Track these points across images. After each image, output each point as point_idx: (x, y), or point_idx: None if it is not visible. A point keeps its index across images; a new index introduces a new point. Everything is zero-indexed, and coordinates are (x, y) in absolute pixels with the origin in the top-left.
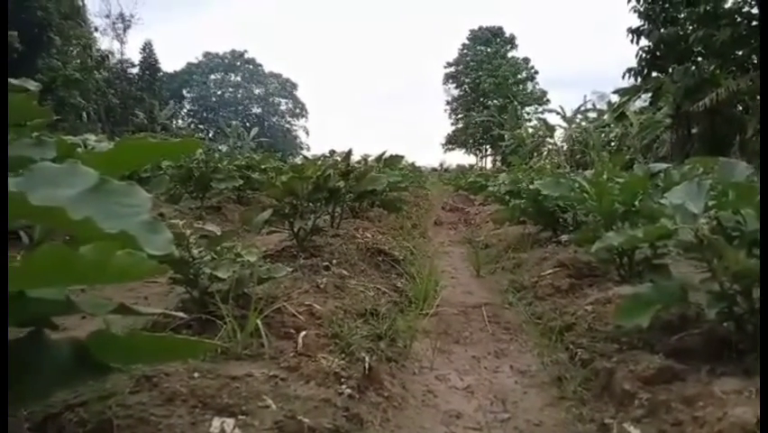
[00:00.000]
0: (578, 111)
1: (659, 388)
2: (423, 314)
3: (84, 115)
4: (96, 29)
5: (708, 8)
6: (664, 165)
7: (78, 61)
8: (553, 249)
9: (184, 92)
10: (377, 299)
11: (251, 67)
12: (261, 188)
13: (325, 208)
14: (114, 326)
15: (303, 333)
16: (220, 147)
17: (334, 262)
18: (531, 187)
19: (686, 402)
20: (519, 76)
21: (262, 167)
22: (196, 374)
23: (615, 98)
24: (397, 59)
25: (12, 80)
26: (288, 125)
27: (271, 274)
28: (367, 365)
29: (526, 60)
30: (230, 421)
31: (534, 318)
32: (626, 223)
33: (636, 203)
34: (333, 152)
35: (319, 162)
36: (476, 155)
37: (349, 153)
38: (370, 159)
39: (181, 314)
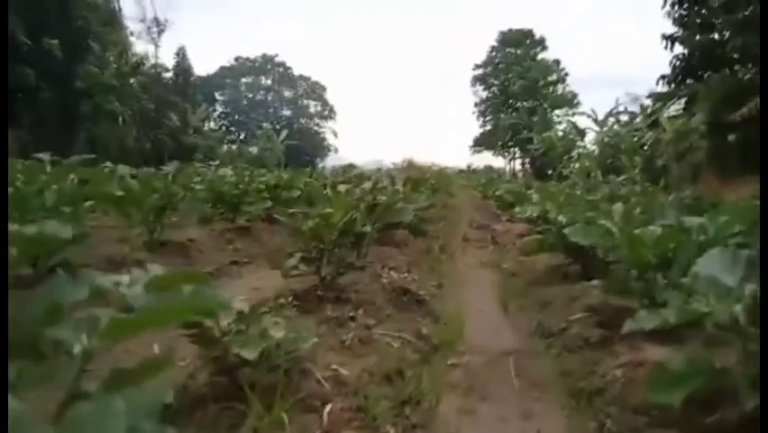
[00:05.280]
0: (610, 114)
1: None
2: (449, 364)
3: (120, 119)
4: (132, 33)
5: (746, 14)
6: (698, 220)
7: (115, 67)
8: (583, 288)
9: (216, 95)
10: (402, 351)
11: (281, 70)
12: (291, 206)
13: (351, 251)
14: None
15: (328, 407)
16: (251, 149)
17: (360, 312)
18: (559, 218)
19: None
20: (549, 78)
21: (293, 190)
22: None
23: (648, 102)
24: (425, 60)
25: None
26: (316, 127)
27: (297, 345)
28: None
29: (557, 62)
30: None
31: (562, 375)
32: (659, 274)
33: (670, 255)
34: (353, 171)
35: (344, 189)
36: (504, 157)
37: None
38: (396, 185)
39: None
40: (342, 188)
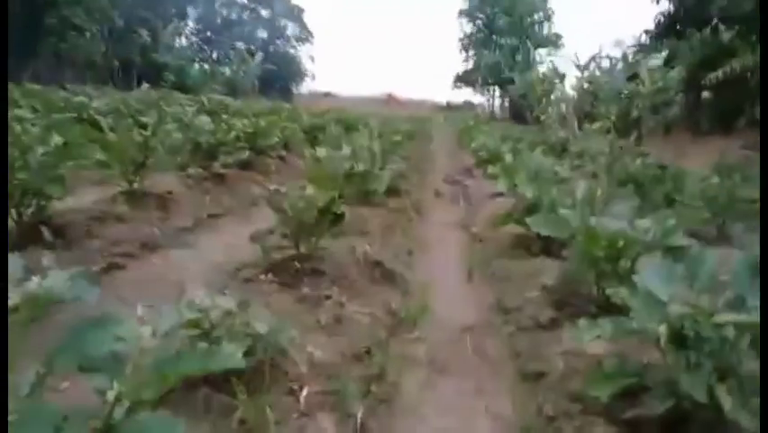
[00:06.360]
0: (592, 59)
1: None
2: (414, 339)
3: (87, 34)
4: None
5: None
6: (647, 224)
7: None
8: (542, 265)
9: (189, 10)
10: (372, 328)
11: None
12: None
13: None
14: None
15: (304, 391)
16: (223, 71)
17: (335, 288)
18: (526, 194)
19: None
20: (535, 15)
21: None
22: None
23: (631, 52)
24: None
25: None
26: (293, 50)
27: (278, 338)
28: (359, 422)
29: (544, 0)
30: None
31: (513, 355)
32: (610, 266)
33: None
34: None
35: (324, 155)
36: (484, 96)
37: None
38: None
39: None
40: (321, 152)
